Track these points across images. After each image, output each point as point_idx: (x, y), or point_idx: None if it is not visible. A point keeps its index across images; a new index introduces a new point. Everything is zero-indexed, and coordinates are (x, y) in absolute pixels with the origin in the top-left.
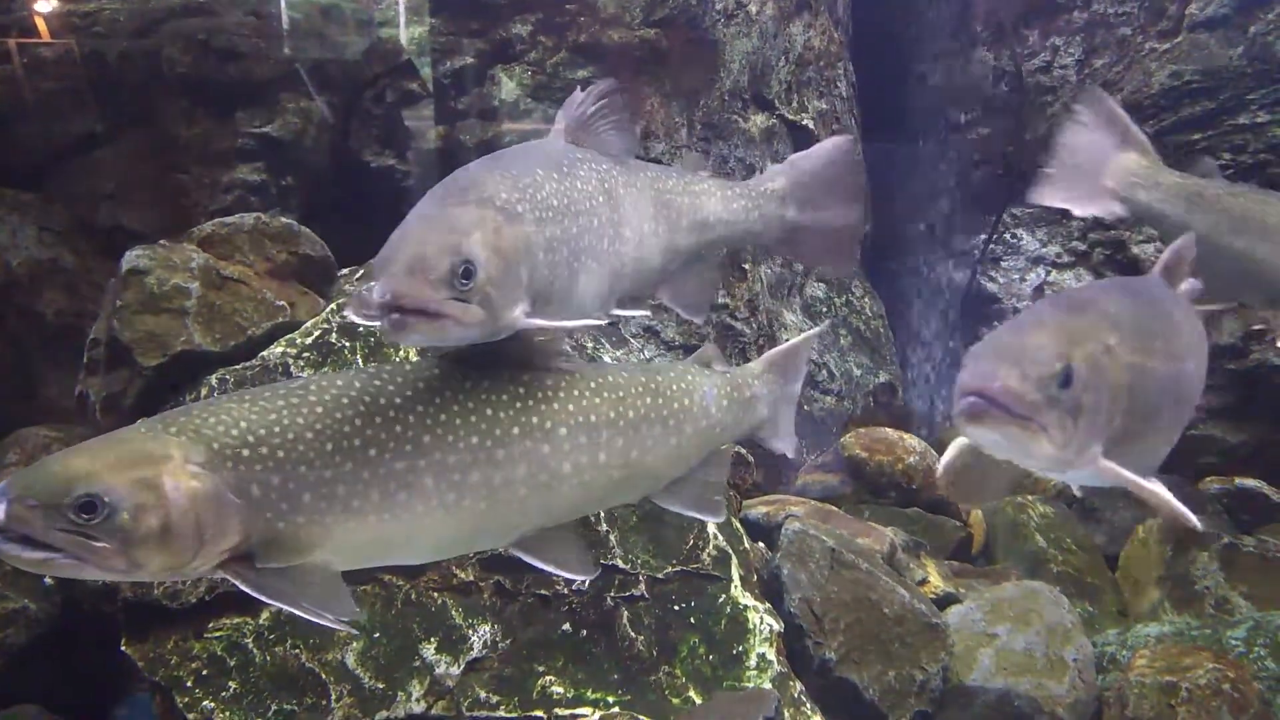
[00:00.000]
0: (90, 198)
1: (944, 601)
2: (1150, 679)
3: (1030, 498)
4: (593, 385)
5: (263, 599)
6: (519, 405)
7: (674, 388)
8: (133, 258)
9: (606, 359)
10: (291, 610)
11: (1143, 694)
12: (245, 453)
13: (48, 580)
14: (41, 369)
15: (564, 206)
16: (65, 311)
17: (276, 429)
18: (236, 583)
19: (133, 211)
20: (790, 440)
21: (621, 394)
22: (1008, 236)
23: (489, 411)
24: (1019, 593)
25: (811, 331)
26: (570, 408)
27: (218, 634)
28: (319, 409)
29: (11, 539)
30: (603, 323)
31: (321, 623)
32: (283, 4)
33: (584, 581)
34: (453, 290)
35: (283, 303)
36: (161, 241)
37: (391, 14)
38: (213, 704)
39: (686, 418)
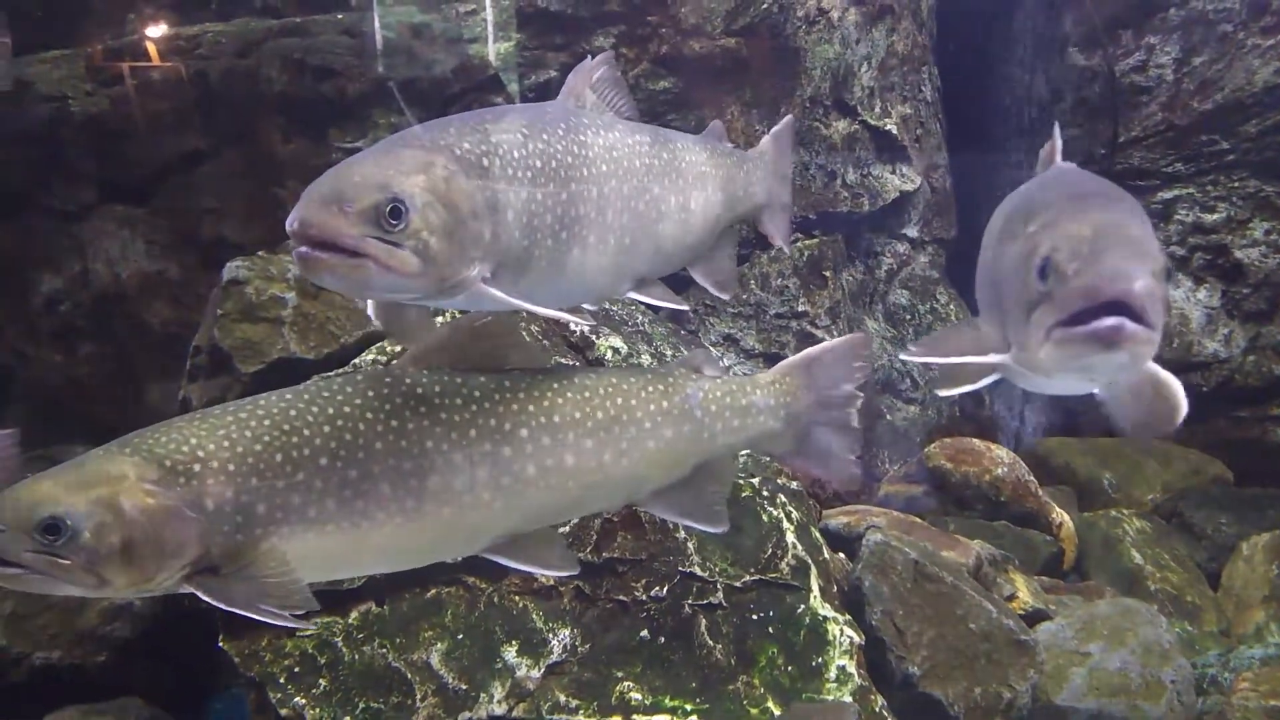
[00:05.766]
0: (194, 212)
1: (1034, 618)
2: (1255, 703)
3: (1126, 511)
4: (555, 385)
5: (226, 608)
6: (475, 408)
7: (649, 389)
8: (233, 268)
9: None
10: (252, 617)
11: (1246, 719)
12: (196, 468)
13: None
14: (147, 377)
15: (549, 169)
16: (170, 321)
17: (225, 444)
18: (202, 595)
19: (234, 225)
20: (828, 462)
21: (588, 394)
22: None
23: (444, 415)
24: (1113, 610)
25: (839, 340)
26: (531, 409)
27: (309, 632)
28: (266, 422)
29: None
30: (587, 322)
31: (282, 624)
32: (376, 23)
33: (661, 588)
34: (377, 229)
35: None
36: (260, 252)
37: (479, 30)
38: (304, 700)
39: (666, 421)
